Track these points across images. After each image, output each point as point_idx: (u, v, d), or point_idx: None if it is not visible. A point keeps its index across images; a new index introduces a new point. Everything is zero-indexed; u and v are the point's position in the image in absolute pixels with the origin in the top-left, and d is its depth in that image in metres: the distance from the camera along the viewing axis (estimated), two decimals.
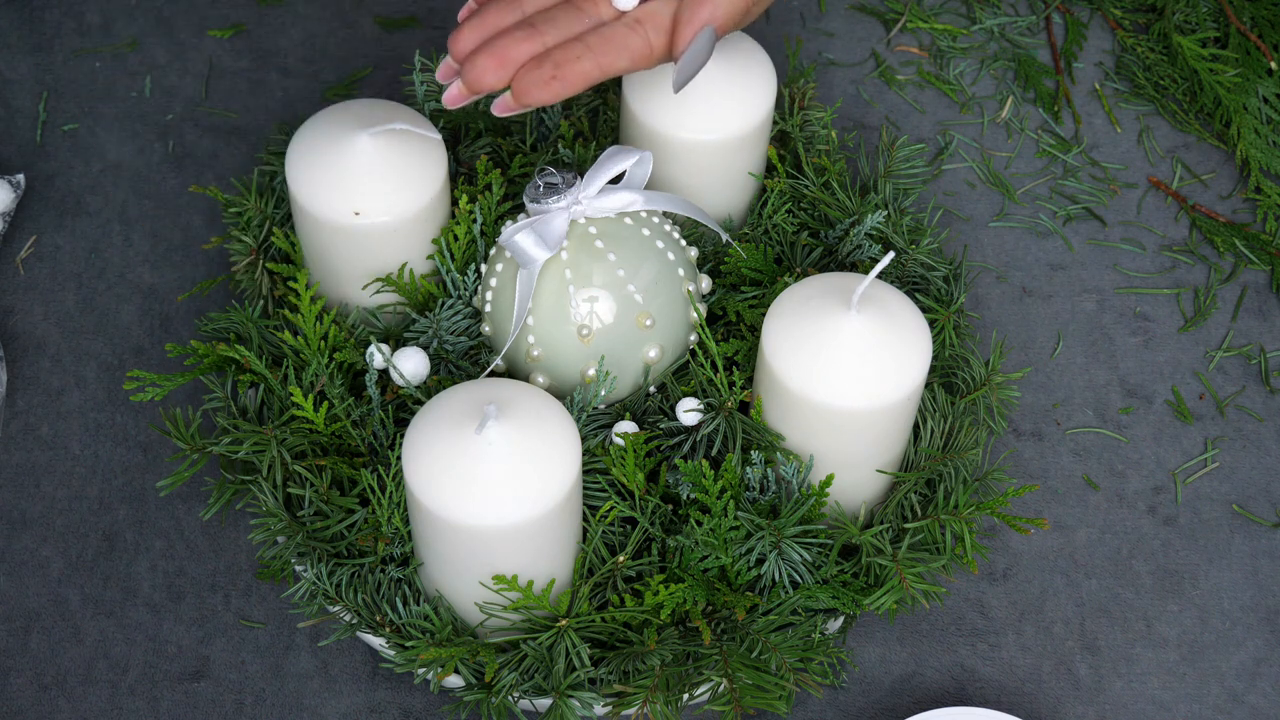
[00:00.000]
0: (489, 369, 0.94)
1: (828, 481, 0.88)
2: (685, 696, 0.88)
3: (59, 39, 1.19)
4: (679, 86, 0.86)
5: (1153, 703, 0.95)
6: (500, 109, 0.85)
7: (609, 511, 0.90)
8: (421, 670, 0.87)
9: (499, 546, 0.83)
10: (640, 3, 0.85)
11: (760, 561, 0.89)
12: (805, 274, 0.98)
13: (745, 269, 0.98)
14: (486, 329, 0.95)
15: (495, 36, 0.84)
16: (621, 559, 0.89)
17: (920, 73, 1.19)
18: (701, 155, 0.97)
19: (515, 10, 0.85)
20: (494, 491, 0.81)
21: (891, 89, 1.18)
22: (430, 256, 0.96)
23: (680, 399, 0.93)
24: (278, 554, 0.91)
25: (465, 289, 0.97)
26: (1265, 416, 1.05)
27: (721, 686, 0.87)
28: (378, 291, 0.96)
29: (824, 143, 1.04)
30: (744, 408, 0.94)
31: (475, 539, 0.83)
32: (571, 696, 0.86)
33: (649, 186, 0.98)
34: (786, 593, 0.89)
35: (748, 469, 0.89)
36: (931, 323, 0.97)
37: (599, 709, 0.87)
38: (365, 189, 0.92)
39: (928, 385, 0.95)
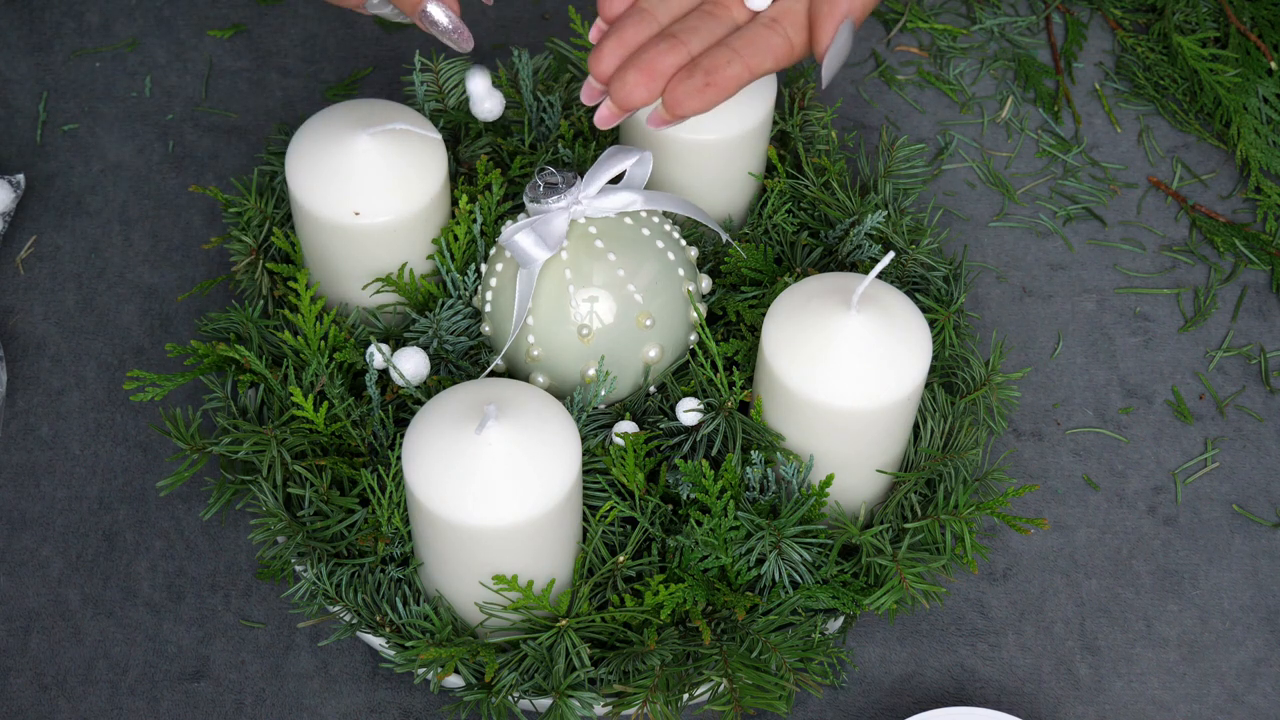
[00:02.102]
0: (489, 369, 0.94)
1: (828, 481, 0.88)
2: (685, 696, 0.88)
3: (59, 39, 1.19)
4: (827, 82, 0.85)
5: (1153, 703, 0.95)
6: (655, 122, 0.83)
7: (609, 511, 0.90)
8: (421, 670, 0.87)
9: (499, 546, 0.83)
10: (773, 1, 0.85)
11: (760, 561, 0.89)
12: (805, 274, 0.98)
13: (745, 269, 0.98)
14: (486, 329, 0.95)
15: (638, 51, 0.83)
16: (621, 559, 0.89)
17: (920, 73, 1.19)
18: (701, 155, 0.97)
19: (651, 23, 0.84)
20: (494, 491, 0.81)
21: (891, 89, 1.18)
22: (430, 256, 0.96)
23: (680, 399, 0.93)
24: (278, 554, 0.91)
25: (465, 289, 0.97)
26: (1265, 416, 1.05)
27: (721, 686, 0.87)
28: (378, 291, 0.96)
29: (824, 143, 1.04)
30: (744, 408, 0.94)
31: (475, 539, 0.83)
32: (571, 696, 0.86)
33: (649, 186, 0.98)
34: (786, 593, 0.89)
35: (748, 469, 0.90)
36: (931, 323, 0.97)
37: (599, 709, 0.87)
38: (365, 189, 0.92)
39: (928, 385, 0.95)
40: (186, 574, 0.98)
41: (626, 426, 0.91)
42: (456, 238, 0.96)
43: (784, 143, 1.05)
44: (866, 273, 0.96)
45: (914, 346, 0.87)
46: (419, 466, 0.82)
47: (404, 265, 0.95)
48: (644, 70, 0.82)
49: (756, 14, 0.85)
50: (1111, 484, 1.02)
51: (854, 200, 1.01)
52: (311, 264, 0.97)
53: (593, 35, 0.86)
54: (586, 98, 0.85)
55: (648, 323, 0.91)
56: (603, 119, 0.83)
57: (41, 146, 1.14)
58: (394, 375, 0.93)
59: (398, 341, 0.97)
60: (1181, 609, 0.98)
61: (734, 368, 0.95)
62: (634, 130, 0.98)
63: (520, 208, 1.00)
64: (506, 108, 1.04)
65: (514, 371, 0.95)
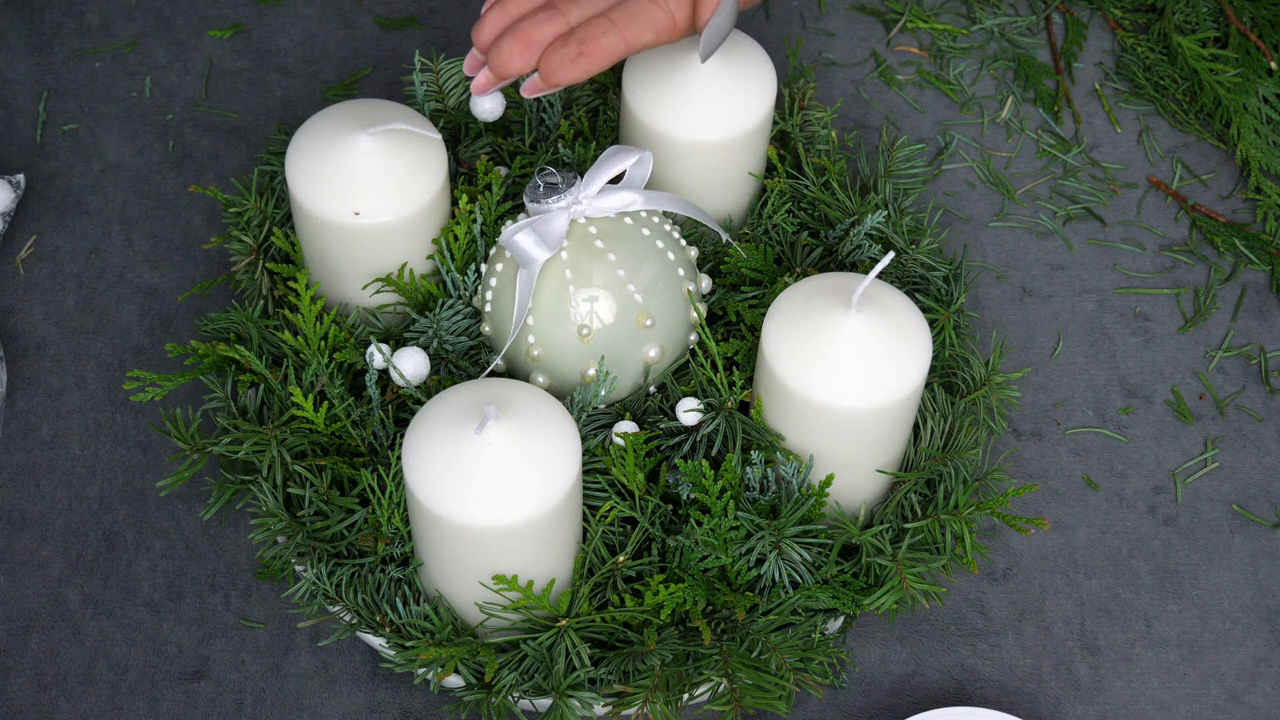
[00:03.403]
0: (489, 369, 0.94)
1: (828, 481, 0.88)
2: (685, 696, 0.88)
3: (59, 39, 1.19)
4: (705, 57, 0.87)
5: (1153, 703, 0.95)
6: (529, 90, 0.86)
7: (609, 511, 0.90)
8: (421, 670, 0.87)
9: (499, 546, 0.83)
10: None
11: (760, 561, 0.89)
12: (805, 274, 0.98)
13: (745, 269, 0.98)
14: (486, 329, 0.95)
15: (518, 20, 0.84)
16: (621, 559, 0.89)
17: (920, 73, 1.19)
18: (701, 155, 0.97)
19: None
20: (494, 491, 0.81)
21: (891, 89, 1.18)
22: (430, 256, 0.96)
23: (680, 399, 0.93)
24: (278, 554, 0.91)
25: (465, 289, 0.97)
26: (1265, 416, 1.05)
27: (721, 686, 0.87)
28: (378, 291, 0.96)
29: (824, 143, 1.04)
30: (744, 408, 0.94)
31: (475, 539, 0.83)
32: (571, 696, 0.86)
33: (649, 186, 0.98)
34: (786, 593, 0.89)
35: (748, 469, 0.90)
36: (931, 323, 0.97)
37: (599, 709, 0.87)
38: (365, 189, 0.92)
39: (928, 385, 0.95)
40: (186, 574, 0.98)
41: (626, 426, 0.91)
42: (456, 238, 0.96)
43: (784, 143, 1.05)
44: (866, 273, 0.96)
45: (914, 346, 0.87)
46: (419, 466, 0.82)
47: (404, 265, 0.95)
48: (519, 39, 0.84)
49: None
50: (1111, 484, 1.02)
51: (854, 200, 1.01)
52: (311, 264, 0.97)
53: (485, 7, 0.89)
54: (468, 68, 0.88)
55: (648, 323, 0.91)
56: (479, 86, 0.86)
57: (41, 146, 1.14)
58: (394, 375, 0.93)
59: (398, 341, 0.97)
60: (1181, 609, 0.98)
61: (734, 368, 0.95)
62: (634, 130, 0.98)
63: (520, 208, 1.01)
64: (506, 108, 1.04)
65: (514, 371, 0.95)
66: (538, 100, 1.04)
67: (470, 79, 0.91)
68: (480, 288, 0.95)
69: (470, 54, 0.88)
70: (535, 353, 0.92)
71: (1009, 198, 1.14)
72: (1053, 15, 1.22)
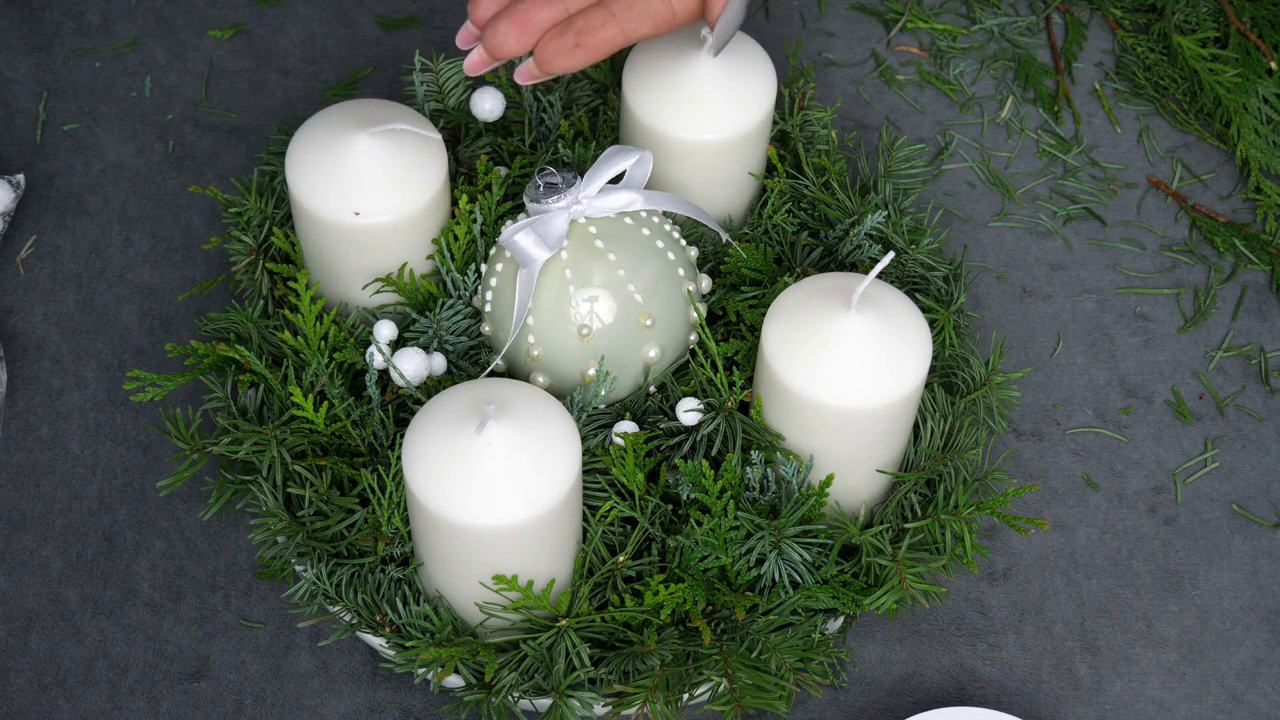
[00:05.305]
0: (489, 369, 0.94)
1: (828, 481, 0.88)
2: (685, 696, 0.88)
3: (59, 39, 1.19)
4: (718, 50, 0.86)
5: (1153, 703, 0.95)
6: (523, 76, 0.85)
7: (609, 511, 0.90)
8: (421, 670, 0.87)
9: (499, 546, 0.83)
10: None
11: (760, 561, 0.89)
12: (805, 274, 0.98)
13: (745, 269, 0.98)
14: (486, 329, 0.95)
15: (517, 1, 0.84)
16: (621, 559, 0.89)
17: (920, 73, 1.19)
18: (701, 155, 0.97)
19: None
20: (494, 491, 0.81)
21: (891, 89, 1.18)
22: (430, 256, 0.96)
23: (680, 399, 0.93)
24: (278, 554, 0.91)
25: (465, 289, 0.97)
26: (1265, 416, 1.05)
27: (721, 686, 0.87)
28: (378, 291, 0.96)
29: (824, 143, 1.04)
30: (744, 408, 0.94)
31: (475, 539, 0.83)
32: (571, 696, 0.86)
33: (649, 186, 0.98)
34: (786, 593, 0.89)
35: (748, 469, 0.90)
36: (931, 323, 0.97)
37: (599, 709, 0.87)
38: (365, 189, 0.92)
39: (928, 385, 0.95)
40: (186, 574, 0.98)
41: (626, 426, 0.91)
42: (456, 238, 0.96)
43: (784, 143, 1.05)
44: (866, 273, 0.96)
45: (914, 346, 0.87)
46: (419, 466, 0.82)
47: (404, 265, 0.95)
48: (516, 21, 0.83)
49: None
50: (1111, 484, 1.02)
51: (854, 200, 1.01)
52: (311, 264, 0.97)
53: None
54: (461, 41, 0.86)
55: (648, 323, 0.91)
56: (471, 65, 0.85)
57: (41, 146, 1.14)
58: (394, 375, 0.93)
59: (398, 341, 0.97)
60: (1181, 609, 0.98)
61: (734, 368, 0.95)
62: (634, 130, 0.98)
63: (520, 208, 1.01)
64: (506, 108, 1.04)
65: (514, 371, 0.95)
66: (537, 100, 1.04)
67: (464, 52, 0.89)
68: (480, 288, 0.95)
69: (465, 27, 0.86)
70: (535, 353, 0.92)
71: (1009, 198, 1.14)
72: (1053, 15, 1.22)
